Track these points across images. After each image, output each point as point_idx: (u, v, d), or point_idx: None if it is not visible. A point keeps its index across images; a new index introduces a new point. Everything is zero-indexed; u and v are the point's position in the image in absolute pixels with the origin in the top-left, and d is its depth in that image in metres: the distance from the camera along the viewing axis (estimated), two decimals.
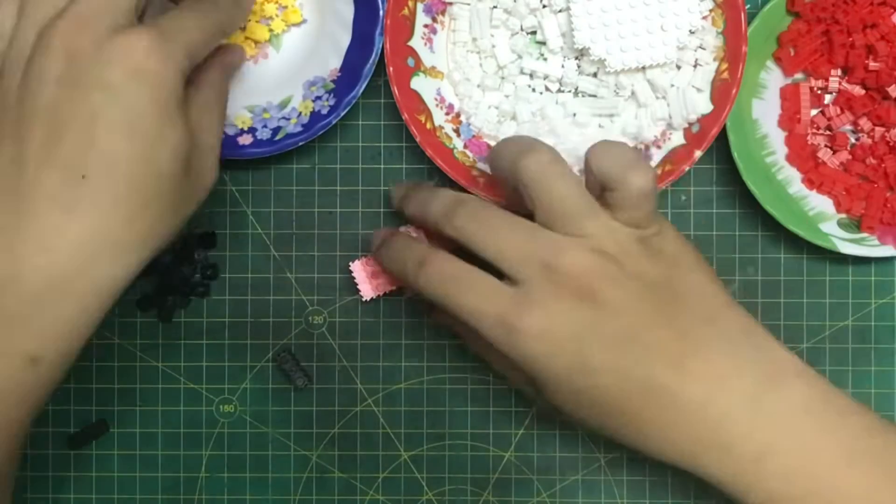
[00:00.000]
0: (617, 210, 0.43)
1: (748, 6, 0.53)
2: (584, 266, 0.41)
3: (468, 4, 0.54)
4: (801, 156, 0.54)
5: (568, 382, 0.41)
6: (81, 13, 0.40)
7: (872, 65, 0.53)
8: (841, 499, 0.41)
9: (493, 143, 0.54)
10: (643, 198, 0.42)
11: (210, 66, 0.47)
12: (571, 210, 0.42)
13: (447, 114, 0.54)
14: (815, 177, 0.54)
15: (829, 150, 0.55)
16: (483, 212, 0.43)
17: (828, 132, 0.55)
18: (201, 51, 0.43)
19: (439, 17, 0.54)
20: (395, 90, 0.52)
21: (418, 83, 0.53)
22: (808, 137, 0.55)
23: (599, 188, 0.43)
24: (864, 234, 0.54)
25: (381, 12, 0.52)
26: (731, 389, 0.42)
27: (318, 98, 0.53)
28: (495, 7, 0.54)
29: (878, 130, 0.54)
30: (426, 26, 0.54)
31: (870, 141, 0.54)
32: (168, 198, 0.41)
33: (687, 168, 0.52)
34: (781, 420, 0.42)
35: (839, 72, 0.54)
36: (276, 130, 0.53)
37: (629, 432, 0.43)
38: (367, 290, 0.52)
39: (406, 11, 0.53)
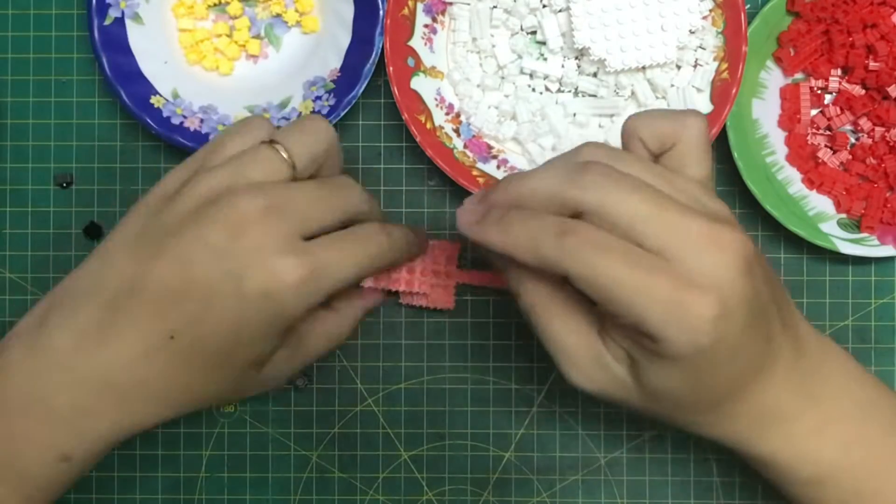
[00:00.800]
0: (688, 167, 0.41)
1: (748, 6, 0.53)
2: (730, 237, 0.38)
3: (468, 4, 0.54)
4: (801, 156, 0.54)
5: (712, 359, 0.38)
6: (275, 206, 0.41)
7: (872, 65, 0.53)
8: (891, 467, 0.42)
9: (493, 143, 0.54)
10: (704, 145, 0.41)
11: (350, 305, 0.49)
12: (698, 180, 0.40)
13: (447, 114, 0.54)
14: (815, 177, 0.54)
15: (829, 150, 0.55)
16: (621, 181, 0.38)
17: (828, 132, 0.55)
18: (346, 284, 0.44)
19: (439, 17, 0.54)
20: (395, 90, 0.52)
21: (418, 83, 0.53)
22: (808, 137, 0.55)
23: (653, 157, 0.42)
24: (864, 234, 0.54)
25: (381, 12, 0.52)
26: (804, 373, 0.42)
27: (318, 98, 0.53)
28: (495, 7, 0.54)
29: (879, 130, 0.54)
30: (426, 26, 0.54)
31: (870, 141, 0.54)
32: (230, 384, 0.44)
33: None
34: (836, 391, 0.43)
35: (839, 72, 0.54)
36: None
37: (716, 422, 0.42)
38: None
39: (406, 11, 0.53)
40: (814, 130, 0.55)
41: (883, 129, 0.54)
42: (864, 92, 0.54)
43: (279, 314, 0.41)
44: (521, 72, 0.54)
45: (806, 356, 0.42)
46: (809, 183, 0.54)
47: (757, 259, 0.39)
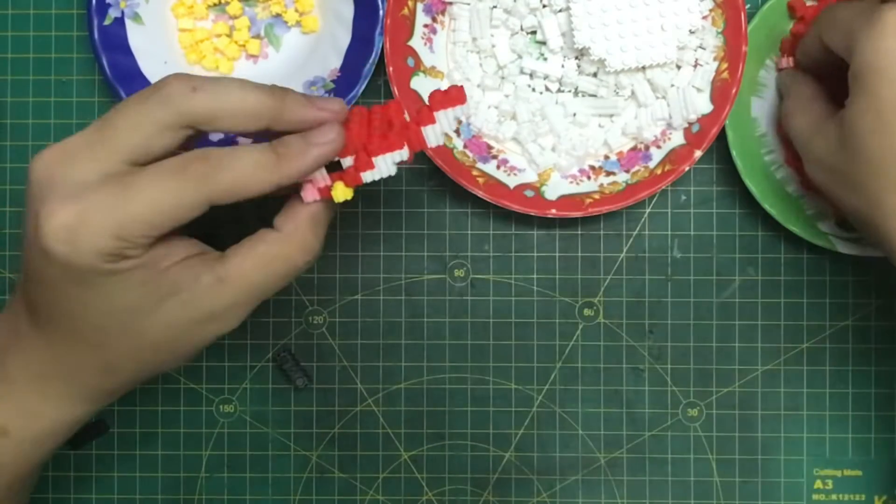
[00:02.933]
0: None
1: (748, 5, 0.53)
2: None
3: (468, 4, 0.54)
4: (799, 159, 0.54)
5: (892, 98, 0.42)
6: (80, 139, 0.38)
7: None
8: None
9: (493, 143, 0.54)
10: None
11: (291, 219, 0.41)
12: None
13: None
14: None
15: None
16: None
17: None
18: (165, 221, 0.37)
19: (439, 17, 0.54)
20: (395, 90, 0.52)
21: (418, 83, 0.53)
22: None
23: None
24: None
25: (381, 12, 0.52)
26: None
27: None
28: (495, 7, 0.54)
29: None
30: (426, 26, 0.54)
31: None
32: (121, 348, 0.40)
33: (687, 168, 0.52)
34: None
35: None
36: None
37: (886, 188, 0.44)
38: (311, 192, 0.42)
39: (406, 11, 0.53)
40: None
41: None
42: None
43: (62, 264, 0.37)
44: (521, 72, 0.54)
45: None
46: (807, 187, 0.54)
47: None
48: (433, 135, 0.41)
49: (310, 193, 0.40)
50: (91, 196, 0.37)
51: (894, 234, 0.43)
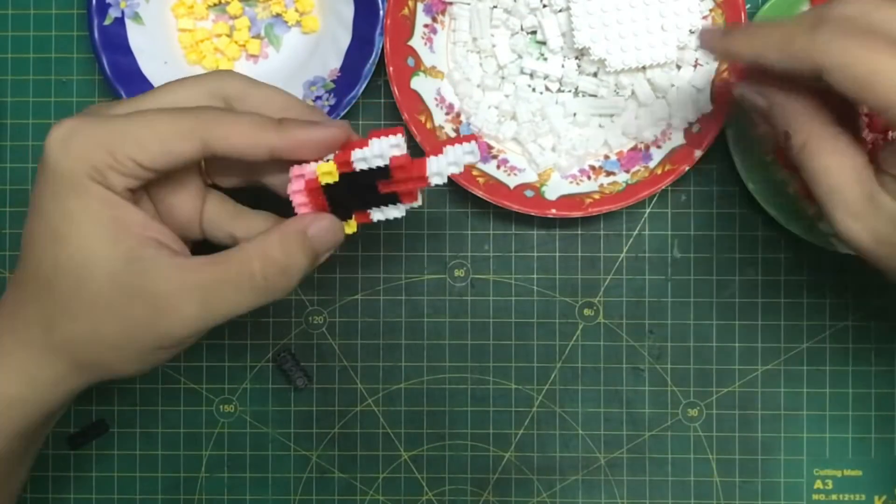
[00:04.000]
0: None
1: (748, 5, 0.53)
2: None
3: (468, 4, 0.54)
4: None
5: None
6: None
7: None
8: None
9: (493, 143, 0.54)
10: None
11: (278, 232, 0.40)
12: None
13: (447, 114, 0.54)
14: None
15: None
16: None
17: None
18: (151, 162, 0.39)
19: (439, 17, 0.54)
20: (395, 90, 0.52)
21: (418, 83, 0.53)
22: None
23: None
24: None
25: (381, 12, 0.52)
26: None
27: (318, 98, 0.53)
28: (495, 7, 0.54)
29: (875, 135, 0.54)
30: (426, 26, 0.54)
31: (869, 146, 0.54)
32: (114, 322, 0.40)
33: (687, 168, 0.52)
34: None
35: None
36: None
37: None
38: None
39: (406, 11, 0.53)
40: None
41: (880, 135, 0.54)
42: None
43: (52, 172, 0.38)
44: (522, 72, 0.54)
45: None
46: (808, 196, 0.54)
47: None
48: (436, 166, 0.40)
49: (296, 183, 0.40)
50: (93, 115, 0.39)
51: None
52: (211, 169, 0.43)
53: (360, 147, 0.40)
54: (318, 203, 0.41)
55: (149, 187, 0.41)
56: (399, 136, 0.40)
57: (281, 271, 0.40)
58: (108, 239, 0.39)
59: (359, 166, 0.40)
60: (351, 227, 0.42)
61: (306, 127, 0.40)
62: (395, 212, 0.41)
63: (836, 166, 0.39)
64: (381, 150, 0.40)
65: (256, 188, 0.44)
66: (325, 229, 0.41)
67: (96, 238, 0.38)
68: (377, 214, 0.41)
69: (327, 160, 0.41)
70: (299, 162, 0.41)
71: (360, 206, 0.41)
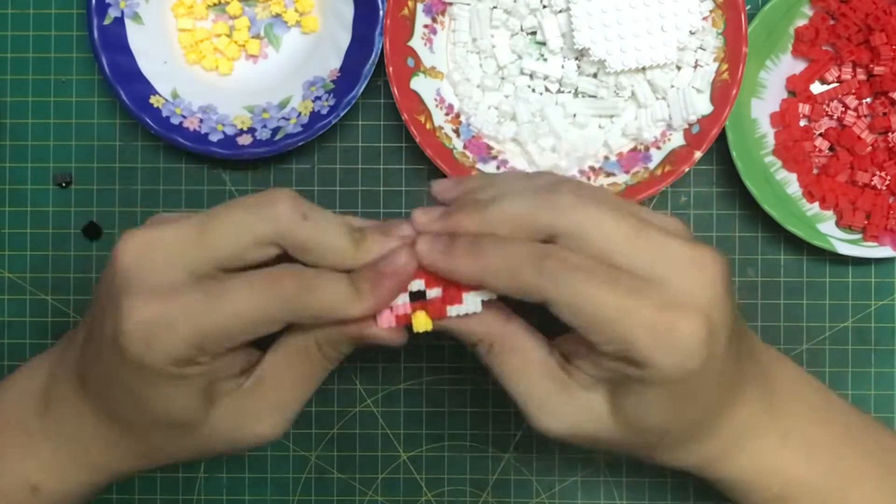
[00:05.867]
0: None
1: (748, 6, 0.53)
2: (711, 259, 0.37)
3: (468, 5, 0.54)
4: (802, 171, 0.54)
5: (697, 382, 0.37)
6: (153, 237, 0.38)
7: (877, 69, 0.53)
8: (855, 480, 0.42)
9: (492, 144, 0.54)
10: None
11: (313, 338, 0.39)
12: (674, 225, 0.39)
13: (447, 114, 0.54)
14: (816, 190, 0.54)
15: (826, 156, 0.55)
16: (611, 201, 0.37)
17: (830, 152, 0.55)
18: (228, 335, 0.37)
19: (439, 18, 0.54)
20: (395, 90, 0.52)
21: (418, 83, 0.53)
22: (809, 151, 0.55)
23: None
24: (862, 235, 0.54)
25: (380, 13, 0.52)
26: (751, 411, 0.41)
27: (318, 98, 0.53)
28: (495, 7, 0.54)
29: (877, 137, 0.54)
30: (426, 26, 0.54)
31: (869, 148, 0.54)
32: (143, 440, 0.40)
33: (687, 169, 0.52)
34: (793, 400, 0.42)
35: (850, 68, 0.54)
36: (275, 130, 0.53)
37: (663, 451, 0.41)
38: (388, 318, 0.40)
39: (406, 12, 0.53)
40: (815, 152, 0.55)
41: (883, 135, 0.54)
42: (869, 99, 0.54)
43: (133, 360, 0.36)
44: (521, 72, 0.54)
45: (763, 369, 0.42)
46: (810, 196, 0.54)
47: (730, 273, 0.38)
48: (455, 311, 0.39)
49: (385, 319, 0.39)
50: (177, 299, 0.36)
51: (735, 474, 0.42)
52: None
53: (452, 299, 0.39)
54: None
55: None
56: (487, 294, 0.39)
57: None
58: (206, 400, 0.38)
59: (451, 314, 0.39)
60: (426, 323, 0.39)
61: (380, 283, 0.37)
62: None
63: (522, 366, 0.39)
64: (475, 304, 0.39)
65: None
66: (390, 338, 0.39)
67: (196, 408, 0.38)
68: (453, 310, 0.39)
69: (416, 291, 0.39)
70: None
71: None
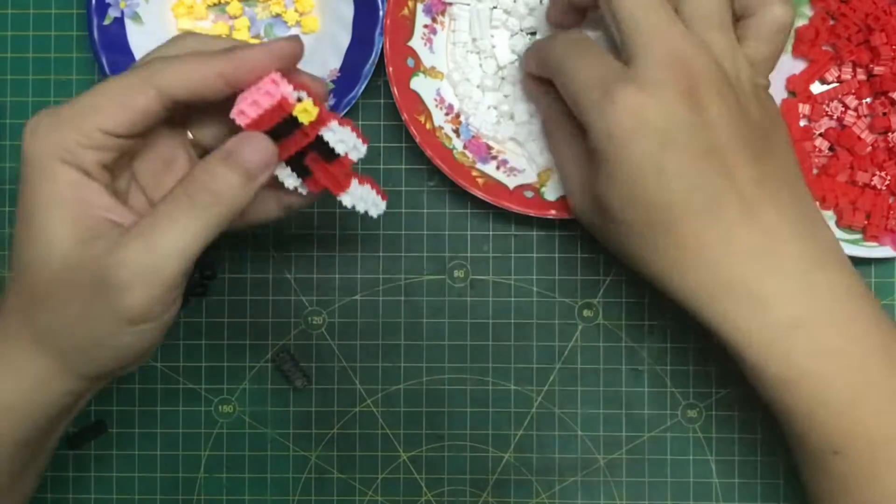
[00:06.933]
0: (748, 40, 0.43)
1: None
2: (701, 68, 0.40)
3: (468, 5, 0.54)
4: (802, 171, 0.54)
5: (635, 171, 0.40)
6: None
7: (877, 69, 0.53)
8: (868, 388, 0.40)
9: (492, 144, 0.54)
10: (779, 30, 0.43)
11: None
12: (706, 13, 0.42)
13: (447, 114, 0.54)
14: (816, 190, 0.54)
15: (827, 156, 0.55)
16: None
17: (830, 152, 0.55)
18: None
19: (439, 18, 0.54)
20: (395, 90, 0.52)
21: (418, 83, 0.53)
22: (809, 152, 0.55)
23: (734, 16, 0.43)
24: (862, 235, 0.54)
25: (380, 12, 0.52)
26: (783, 254, 0.41)
27: None
28: (495, 7, 0.54)
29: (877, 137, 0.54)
30: (426, 26, 0.54)
31: (869, 148, 0.54)
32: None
33: None
34: (824, 297, 0.41)
35: (850, 68, 0.54)
36: None
37: (658, 257, 0.42)
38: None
39: (406, 12, 0.53)
40: (816, 153, 0.55)
41: (883, 135, 0.54)
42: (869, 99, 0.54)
43: (27, 158, 0.39)
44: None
45: (801, 245, 0.41)
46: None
47: (722, 96, 0.41)
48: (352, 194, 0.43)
49: (257, 95, 0.39)
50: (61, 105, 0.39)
51: (673, 286, 0.42)
52: (194, 133, 0.43)
53: (328, 117, 0.40)
54: (262, 124, 0.39)
55: (141, 176, 0.42)
56: (365, 145, 0.41)
57: (207, 190, 0.38)
58: (68, 220, 0.38)
59: (325, 136, 0.40)
60: (310, 109, 0.39)
61: (254, 46, 0.39)
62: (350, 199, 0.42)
63: (567, 154, 0.48)
64: (352, 141, 0.41)
65: None
66: (254, 147, 0.39)
67: (57, 220, 0.38)
68: (347, 199, 0.42)
69: (299, 98, 0.39)
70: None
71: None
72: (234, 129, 0.40)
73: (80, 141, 0.38)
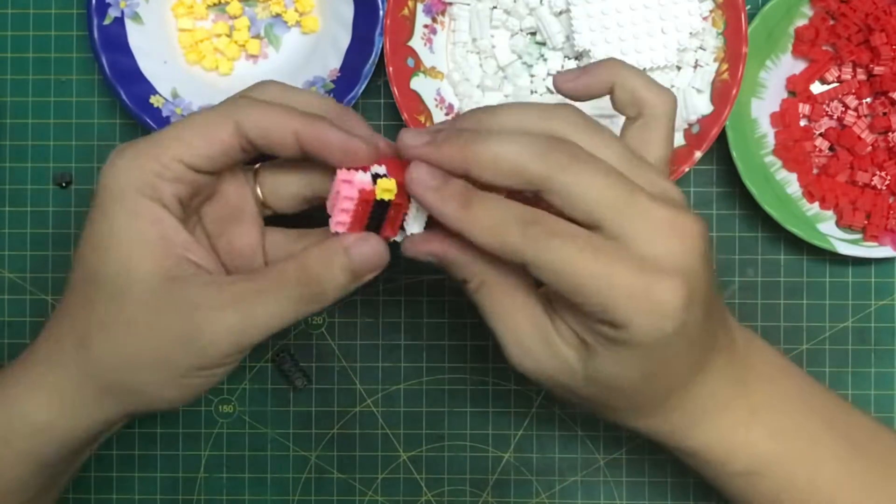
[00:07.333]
0: (650, 144, 0.41)
1: (748, 6, 0.53)
2: (703, 228, 0.38)
3: (468, 5, 0.54)
4: (802, 170, 0.54)
5: (670, 350, 0.38)
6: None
7: (877, 69, 0.53)
8: (824, 462, 0.43)
9: None
10: (671, 125, 0.41)
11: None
12: (658, 162, 0.40)
13: (447, 114, 0.54)
14: (816, 190, 0.54)
15: (827, 156, 0.55)
16: (582, 155, 0.37)
17: (830, 152, 0.55)
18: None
19: (439, 18, 0.54)
20: (395, 90, 0.52)
21: (418, 83, 0.53)
22: (809, 151, 0.55)
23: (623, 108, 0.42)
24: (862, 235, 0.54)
25: (381, 12, 0.52)
26: (718, 366, 0.42)
27: None
28: (495, 7, 0.54)
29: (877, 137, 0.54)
30: (426, 26, 0.54)
31: (869, 148, 0.54)
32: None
33: (687, 169, 0.52)
34: (764, 380, 0.43)
35: (850, 68, 0.54)
36: None
37: (632, 414, 0.41)
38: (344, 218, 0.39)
39: (406, 12, 0.53)
40: (816, 153, 0.55)
41: (882, 135, 0.54)
42: (869, 99, 0.54)
43: (103, 189, 0.39)
44: (524, 63, 0.54)
45: (736, 347, 0.42)
46: (810, 196, 0.54)
47: (708, 245, 0.39)
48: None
49: (346, 189, 0.38)
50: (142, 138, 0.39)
51: (687, 443, 0.42)
52: (264, 191, 0.43)
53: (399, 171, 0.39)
54: (360, 220, 0.39)
55: (207, 221, 0.42)
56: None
57: (317, 283, 0.39)
58: (151, 255, 0.38)
59: (409, 228, 0.39)
60: (389, 186, 0.39)
61: (332, 130, 0.38)
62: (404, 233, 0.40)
63: (511, 309, 0.39)
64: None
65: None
66: (370, 252, 0.39)
67: (139, 254, 0.38)
68: (400, 237, 0.40)
69: (377, 174, 0.38)
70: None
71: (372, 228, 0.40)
72: (306, 200, 0.42)
73: (160, 172, 0.38)
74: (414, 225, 0.39)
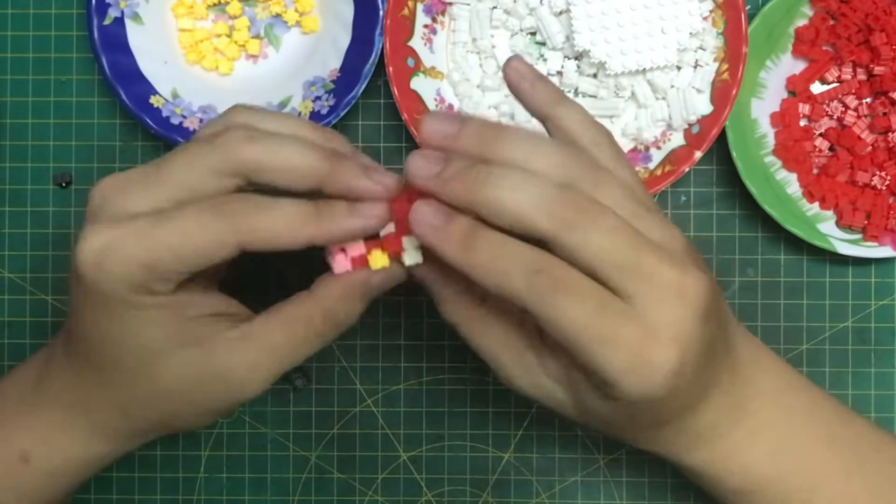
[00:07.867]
0: (619, 169, 0.39)
1: (748, 6, 0.53)
2: (707, 285, 0.37)
3: (468, 5, 0.54)
4: (802, 170, 0.54)
5: (655, 402, 0.37)
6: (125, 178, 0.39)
7: (877, 69, 0.53)
8: (822, 479, 0.43)
9: None
10: (610, 150, 0.40)
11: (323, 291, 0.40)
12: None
13: None
14: (816, 190, 0.54)
15: (826, 156, 0.55)
16: (593, 206, 0.36)
17: (830, 152, 0.55)
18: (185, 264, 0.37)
19: (439, 18, 0.54)
20: (395, 90, 0.52)
21: (418, 83, 0.53)
22: (809, 151, 0.55)
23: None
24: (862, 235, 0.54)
25: (381, 12, 0.52)
26: (726, 382, 0.42)
27: (318, 98, 0.53)
28: (495, 7, 0.54)
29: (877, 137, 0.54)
30: (426, 26, 0.54)
31: (869, 148, 0.54)
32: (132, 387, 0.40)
33: (687, 169, 0.52)
34: (767, 401, 0.42)
35: (850, 68, 0.54)
36: None
37: (628, 436, 0.42)
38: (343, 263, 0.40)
39: (406, 12, 0.53)
40: (816, 153, 0.55)
41: (882, 135, 0.54)
42: (869, 99, 0.54)
43: (90, 289, 0.37)
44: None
45: (740, 371, 0.42)
46: (810, 196, 0.54)
47: (715, 296, 0.38)
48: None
49: (341, 263, 0.39)
50: (129, 224, 0.36)
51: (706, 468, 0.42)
52: None
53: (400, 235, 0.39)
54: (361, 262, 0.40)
55: None
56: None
57: (341, 323, 0.40)
58: (171, 336, 0.38)
59: (406, 261, 0.39)
60: (382, 259, 0.40)
61: (346, 219, 0.38)
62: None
63: (496, 346, 0.40)
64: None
65: None
66: (386, 278, 0.40)
67: (160, 341, 0.38)
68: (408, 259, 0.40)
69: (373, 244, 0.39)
70: None
71: None
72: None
73: (154, 279, 0.37)
74: (414, 255, 0.39)
